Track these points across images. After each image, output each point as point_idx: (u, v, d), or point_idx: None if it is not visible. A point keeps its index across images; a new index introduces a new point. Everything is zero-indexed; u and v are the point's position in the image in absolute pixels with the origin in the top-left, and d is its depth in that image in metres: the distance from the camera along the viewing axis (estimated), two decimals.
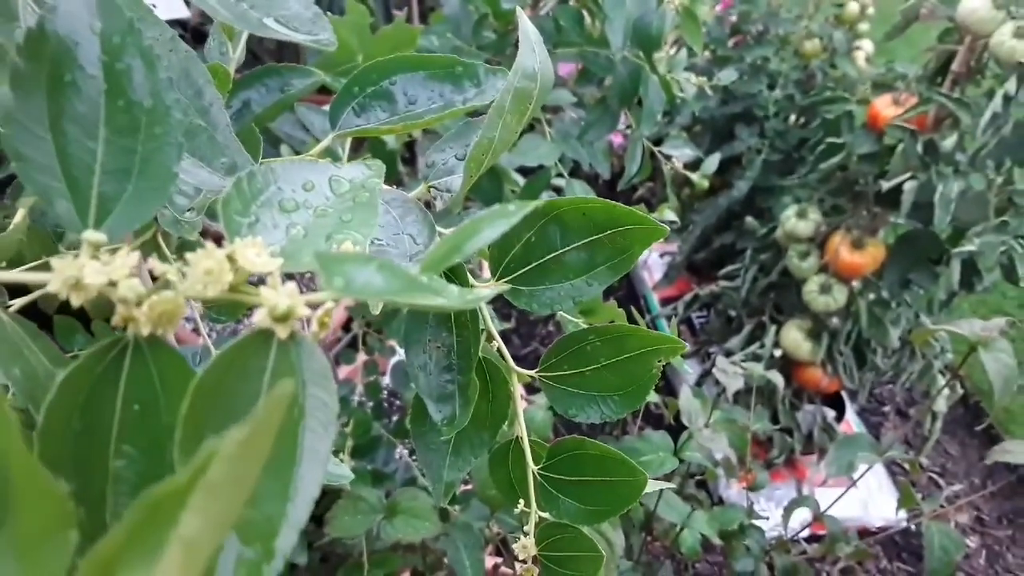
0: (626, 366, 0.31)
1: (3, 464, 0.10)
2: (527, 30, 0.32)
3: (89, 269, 0.14)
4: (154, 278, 0.16)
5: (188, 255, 0.15)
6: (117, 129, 0.16)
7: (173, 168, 0.16)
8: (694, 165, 1.20)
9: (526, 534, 0.29)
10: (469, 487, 0.76)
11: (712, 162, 1.06)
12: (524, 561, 0.29)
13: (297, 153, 0.82)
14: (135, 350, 0.15)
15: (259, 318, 0.15)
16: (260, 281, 0.16)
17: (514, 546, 0.29)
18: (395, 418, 0.99)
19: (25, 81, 0.16)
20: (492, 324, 0.32)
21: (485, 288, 0.23)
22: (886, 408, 1.88)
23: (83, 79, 0.16)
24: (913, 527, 1.53)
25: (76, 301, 0.15)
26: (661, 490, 0.70)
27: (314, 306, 0.15)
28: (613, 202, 0.32)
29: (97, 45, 0.16)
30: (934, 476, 1.72)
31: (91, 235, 0.15)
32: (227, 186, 0.24)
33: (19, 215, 0.41)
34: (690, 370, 1.60)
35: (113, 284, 0.15)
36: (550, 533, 0.30)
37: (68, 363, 0.15)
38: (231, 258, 0.15)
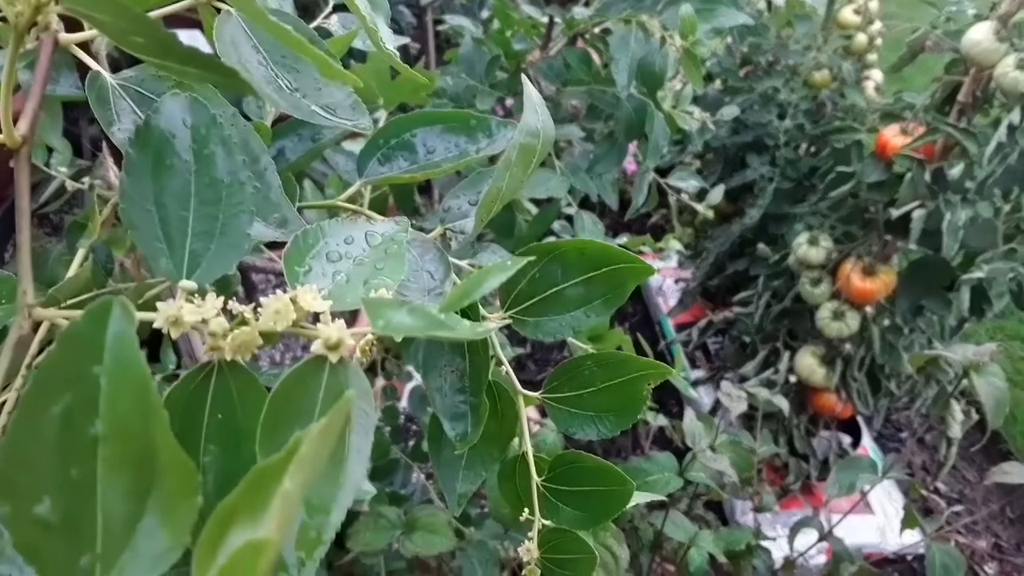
0: (620, 389, 0.35)
1: (153, 444, 0.14)
2: (530, 94, 0.37)
3: (187, 310, 0.19)
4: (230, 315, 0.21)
5: (262, 299, 0.19)
6: (204, 201, 0.21)
7: (247, 230, 0.21)
8: (703, 194, 1.24)
9: (530, 539, 0.33)
10: (483, 509, 0.79)
11: (716, 193, 1.10)
12: (528, 563, 0.33)
13: (319, 185, 0.88)
14: (219, 371, 0.20)
15: (316, 347, 0.19)
16: (315, 318, 0.21)
17: (519, 549, 0.33)
18: (412, 442, 1.01)
19: (135, 166, 0.21)
20: (500, 351, 0.36)
21: (492, 321, 0.27)
22: (903, 434, 1.89)
23: (178, 163, 0.21)
24: None
25: (175, 335, 0.20)
26: (668, 509, 0.73)
27: (358, 337, 0.19)
28: (607, 243, 0.36)
29: (189, 136, 0.21)
30: (951, 502, 1.72)
31: (185, 284, 0.20)
32: (277, 236, 0.29)
33: (79, 255, 0.46)
34: (704, 397, 1.62)
35: (205, 321, 0.19)
36: (551, 538, 0.34)
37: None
38: (294, 301, 0.19)
